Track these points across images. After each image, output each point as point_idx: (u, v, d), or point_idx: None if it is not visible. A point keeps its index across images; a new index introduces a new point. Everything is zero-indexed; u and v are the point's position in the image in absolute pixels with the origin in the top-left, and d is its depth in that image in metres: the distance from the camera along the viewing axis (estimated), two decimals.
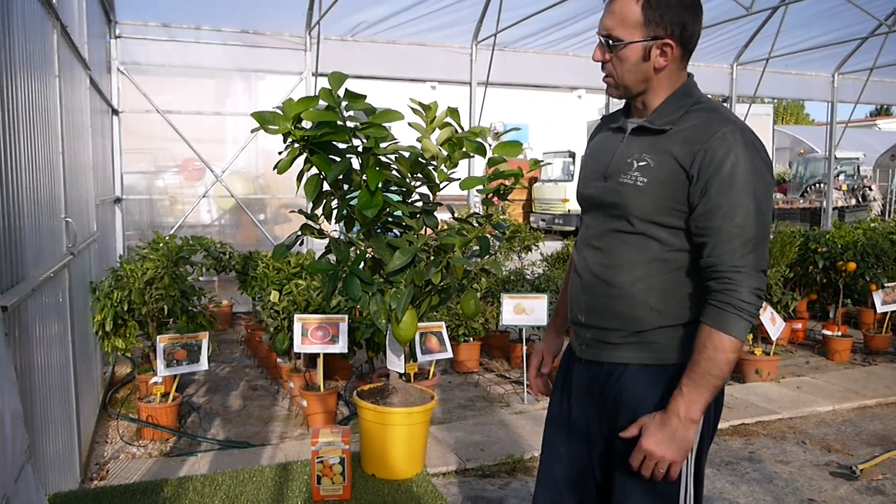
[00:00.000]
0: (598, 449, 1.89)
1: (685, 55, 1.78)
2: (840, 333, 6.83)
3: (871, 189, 22.86)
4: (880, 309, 6.55)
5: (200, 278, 6.90)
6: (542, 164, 2.40)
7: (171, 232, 8.22)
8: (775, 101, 28.69)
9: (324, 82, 8.89)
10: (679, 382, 1.71)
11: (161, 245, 5.06)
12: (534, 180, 19.61)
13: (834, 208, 15.35)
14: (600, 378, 1.87)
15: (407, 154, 2.08)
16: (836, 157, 13.27)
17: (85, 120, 5.07)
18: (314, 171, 2.03)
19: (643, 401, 1.79)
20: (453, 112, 2.10)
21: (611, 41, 1.75)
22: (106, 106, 7.22)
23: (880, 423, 5.08)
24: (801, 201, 21.02)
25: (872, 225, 8.37)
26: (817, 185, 21.62)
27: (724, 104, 11.77)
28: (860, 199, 22.13)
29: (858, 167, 23.00)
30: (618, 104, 1.91)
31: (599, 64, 1.83)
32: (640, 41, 1.73)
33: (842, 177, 22.07)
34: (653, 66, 1.75)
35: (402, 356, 2.31)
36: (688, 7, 1.73)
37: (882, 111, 39.39)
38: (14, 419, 1.89)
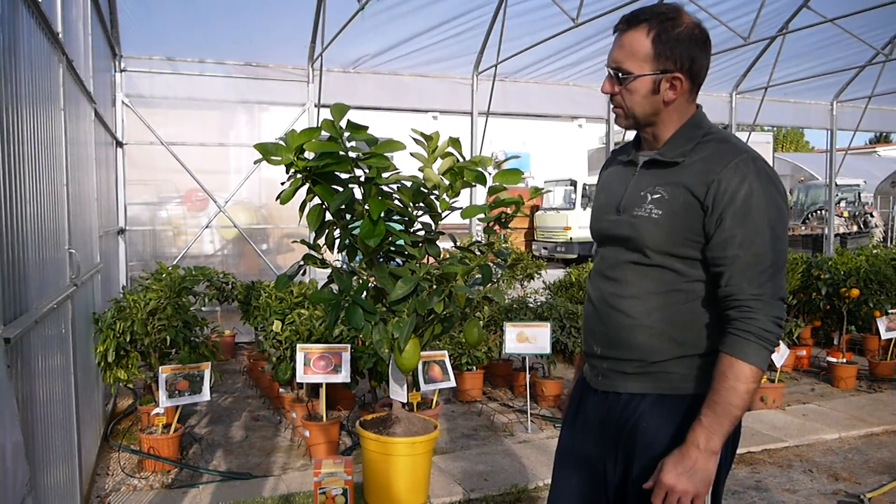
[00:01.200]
0: (614, 482, 1.86)
1: (694, 88, 1.80)
2: (845, 360, 6.80)
3: (872, 215, 22.90)
4: (885, 335, 6.53)
5: (203, 308, 6.90)
6: (542, 191, 2.41)
7: (174, 262, 8.24)
8: (775, 128, 28.85)
9: (326, 113, 8.91)
10: (699, 413, 1.69)
11: (164, 276, 5.06)
12: (535, 208, 19.66)
13: (836, 235, 15.38)
14: (616, 409, 1.85)
15: (409, 184, 2.09)
16: (836, 184, 13.33)
17: (89, 152, 5.11)
18: (317, 201, 2.05)
19: (660, 431, 1.78)
20: (454, 142, 2.12)
21: (620, 74, 1.77)
22: (110, 138, 7.29)
23: (888, 451, 5.03)
24: (803, 228, 21.04)
25: (875, 251, 8.37)
26: (818, 211, 21.65)
27: None
28: (862, 226, 22.16)
29: (859, 194, 23.07)
30: (619, 132, 1.93)
31: (601, 93, 1.85)
32: (650, 74, 1.74)
33: (843, 203, 22.12)
34: (662, 99, 1.76)
35: (405, 385, 2.31)
36: (697, 41, 1.75)
37: (881, 138, 39.56)
38: (15, 452, 1.89)
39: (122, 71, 8.22)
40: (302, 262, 2.11)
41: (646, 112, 1.79)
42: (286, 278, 2.08)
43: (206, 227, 8.90)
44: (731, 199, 1.67)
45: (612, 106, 1.85)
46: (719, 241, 1.69)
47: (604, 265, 1.91)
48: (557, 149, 22.42)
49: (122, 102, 8.24)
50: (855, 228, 21.79)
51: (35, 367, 2.81)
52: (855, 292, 7.04)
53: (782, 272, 1.71)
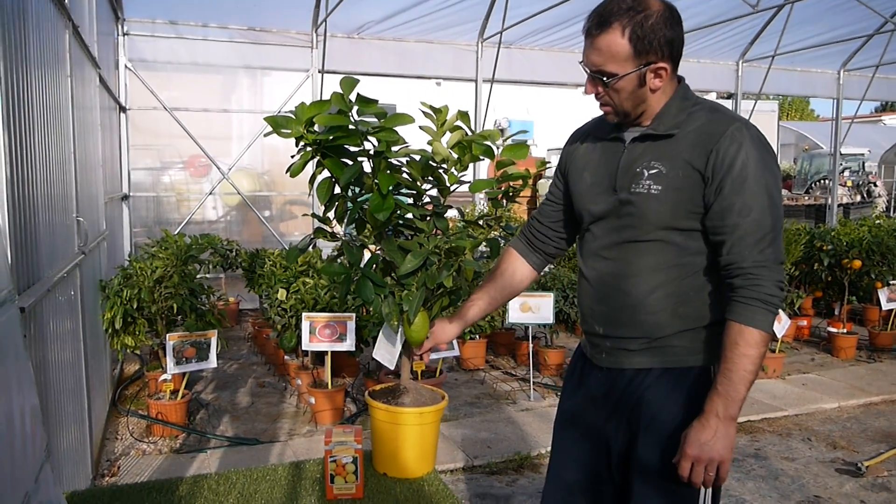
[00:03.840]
0: (617, 453, 1.89)
1: (675, 66, 1.78)
2: (845, 330, 6.85)
3: (876, 185, 22.82)
4: (885, 306, 6.56)
5: (207, 275, 6.94)
6: (548, 165, 2.42)
7: (179, 229, 8.27)
8: (780, 97, 28.63)
9: (330, 79, 8.93)
10: (714, 382, 1.72)
11: (170, 244, 5.09)
12: (539, 177, 19.59)
13: (839, 205, 15.33)
14: (622, 383, 1.87)
15: (418, 157, 2.10)
16: (841, 154, 13.25)
17: (95, 118, 5.11)
18: (326, 173, 2.06)
19: (666, 403, 1.80)
20: (464, 115, 2.12)
21: (605, 77, 1.74)
22: (114, 103, 7.26)
23: (885, 420, 5.10)
24: (807, 198, 20.98)
25: (878, 222, 8.36)
26: (822, 181, 21.58)
27: (729, 100, 11.75)
28: (865, 196, 22.09)
29: (864, 163, 22.95)
30: None
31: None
32: (634, 71, 1.72)
33: (847, 173, 22.03)
34: (649, 89, 1.75)
35: (397, 352, 2.32)
36: (671, 24, 1.71)
37: (888, 107, 39.24)
38: (34, 416, 1.92)
39: (124, 34, 8.15)
40: (313, 236, 2.13)
41: (635, 104, 1.78)
42: (297, 251, 2.10)
43: (210, 193, 8.90)
44: (729, 168, 1.68)
45: (600, 104, 1.82)
46: (718, 209, 1.71)
47: (598, 245, 1.90)
48: (562, 116, 22.18)
49: (125, 66, 8.19)
50: (858, 198, 21.72)
51: (47, 334, 2.85)
52: (857, 263, 7.06)
53: (780, 237, 1.73)
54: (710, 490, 1.77)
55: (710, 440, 1.68)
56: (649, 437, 1.81)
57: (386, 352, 2.31)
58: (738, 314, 1.69)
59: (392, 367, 2.35)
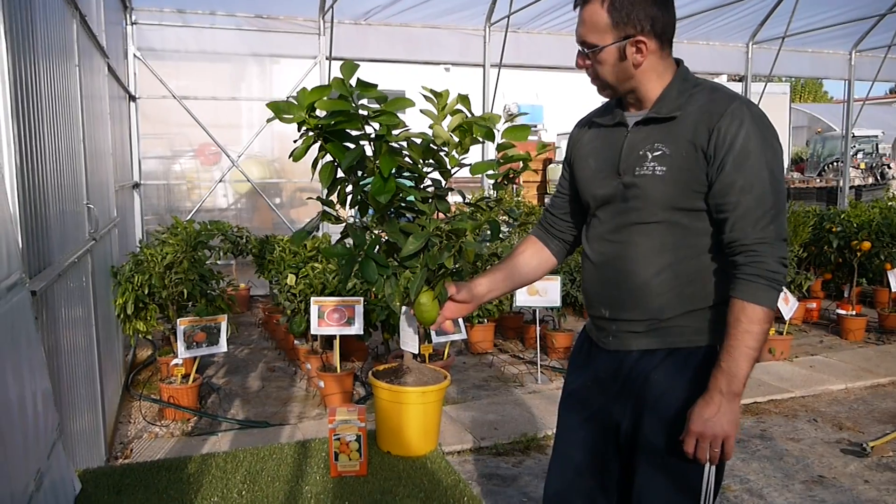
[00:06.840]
0: (624, 434, 1.90)
1: (664, 45, 1.79)
2: (854, 313, 6.84)
3: (889, 167, 22.57)
4: (895, 288, 6.55)
5: (218, 262, 7.01)
6: (548, 148, 2.44)
7: (189, 216, 8.33)
8: (792, 79, 28.34)
9: (338, 66, 8.91)
10: (717, 359, 1.72)
11: (180, 230, 5.15)
12: (548, 162, 19.56)
13: (851, 187, 15.21)
14: (628, 364, 1.88)
15: (418, 140, 2.12)
16: (853, 136, 13.14)
17: (104, 107, 5.16)
18: (329, 158, 2.08)
19: (673, 382, 1.81)
20: (464, 99, 2.14)
21: (587, 49, 1.81)
22: (123, 92, 7.32)
23: (893, 402, 5.11)
24: (818, 181, 20.81)
25: (890, 203, 8.32)
26: (835, 163, 21.39)
27: (740, 83, 11.65)
28: (878, 178, 21.86)
29: (877, 145, 22.70)
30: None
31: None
32: (613, 43, 1.76)
33: (860, 155, 21.80)
34: (631, 64, 1.77)
35: (418, 337, 2.37)
36: (654, 0, 1.73)
37: None
38: (45, 398, 1.98)
39: (133, 24, 8.20)
40: (319, 218, 2.16)
41: (619, 79, 1.80)
42: (305, 233, 2.13)
43: (220, 181, 8.96)
44: (731, 146, 1.69)
45: (589, 80, 1.87)
46: (720, 187, 1.71)
47: (604, 229, 1.91)
48: (571, 100, 22.08)
49: (134, 56, 8.24)
50: (871, 180, 21.52)
51: (59, 319, 2.91)
52: (866, 245, 7.04)
53: (783, 213, 1.73)
54: (713, 469, 1.79)
55: (714, 416, 1.70)
56: (655, 417, 1.82)
57: (409, 339, 2.34)
58: (740, 291, 1.70)
59: (416, 352, 2.38)
